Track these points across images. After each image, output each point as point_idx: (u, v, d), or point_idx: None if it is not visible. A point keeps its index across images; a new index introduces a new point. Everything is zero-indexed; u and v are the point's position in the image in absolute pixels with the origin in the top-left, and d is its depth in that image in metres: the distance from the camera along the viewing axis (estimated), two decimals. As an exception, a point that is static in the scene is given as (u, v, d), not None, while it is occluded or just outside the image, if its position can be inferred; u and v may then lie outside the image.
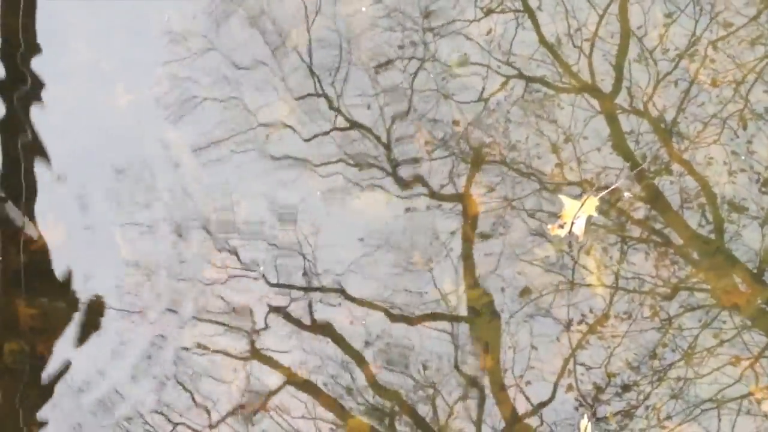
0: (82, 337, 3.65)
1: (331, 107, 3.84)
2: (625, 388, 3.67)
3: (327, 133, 3.84)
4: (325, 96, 3.86)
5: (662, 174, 3.79)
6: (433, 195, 3.79)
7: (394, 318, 3.72)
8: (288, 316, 3.72)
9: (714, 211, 3.77)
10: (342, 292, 3.74)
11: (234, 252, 3.76)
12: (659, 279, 3.73)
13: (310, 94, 3.86)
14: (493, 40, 3.89)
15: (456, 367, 3.69)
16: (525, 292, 3.72)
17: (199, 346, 3.67)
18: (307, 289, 3.74)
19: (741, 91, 3.85)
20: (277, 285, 3.74)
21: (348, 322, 3.72)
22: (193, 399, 3.67)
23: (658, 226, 3.78)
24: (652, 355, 3.68)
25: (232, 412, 3.66)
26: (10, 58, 3.80)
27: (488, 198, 3.79)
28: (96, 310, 3.66)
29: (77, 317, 3.67)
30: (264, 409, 3.66)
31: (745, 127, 3.82)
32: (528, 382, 3.67)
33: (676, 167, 3.81)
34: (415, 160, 3.80)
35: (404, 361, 3.70)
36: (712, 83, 3.84)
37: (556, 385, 3.69)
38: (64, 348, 3.68)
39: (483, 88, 3.86)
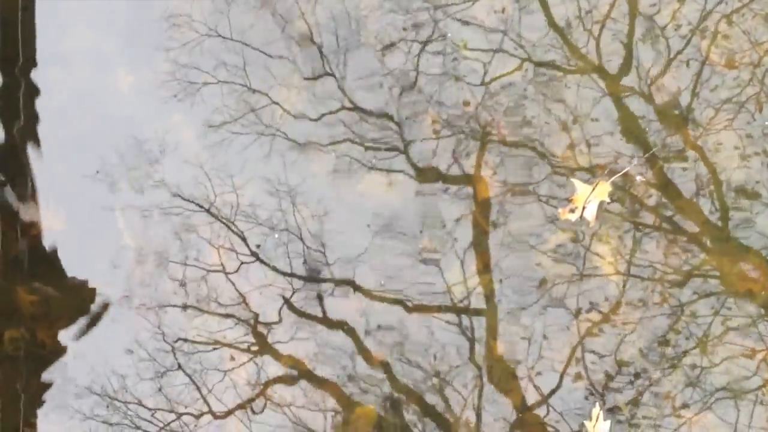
0: (73, 323, 3.66)
1: (338, 88, 3.81)
2: (638, 375, 3.64)
3: (331, 113, 3.81)
4: (333, 77, 3.82)
5: (671, 161, 3.74)
6: (442, 177, 3.76)
7: (407, 309, 3.70)
8: (292, 306, 3.70)
9: (719, 198, 3.72)
10: (350, 282, 3.71)
11: (240, 237, 3.73)
12: (669, 266, 3.69)
13: (317, 76, 3.82)
14: (507, 19, 3.84)
15: (469, 357, 3.67)
16: (543, 282, 3.69)
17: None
18: (312, 280, 3.71)
19: (758, 74, 3.78)
20: (285, 274, 3.71)
21: (356, 311, 3.70)
22: (198, 390, 3.67)
23: (669, 213, 3.73)
24: (664, 342, 3.65)
25: (240, 406, 3.65)
26: (9, 42, 3.78)
27: (498, 182, 3.75)
28: (89, 297, 3.66)
29: (75, 304, 3.67)
30: (268, 400, 3.66)
31: (761, 110, 3.76)
32: (539, 373, 3.65)
33: (690, 153, 3.76)
34: (435, 132, 3.76)
35: (413, 351, 3.68)
36: (728, 65, 3.77)
37: (562, 375, 3.65)
38: (63, 335, 3.68)
39: (485, 72, 3.81)
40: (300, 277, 3.71)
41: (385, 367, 3.66)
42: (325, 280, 3.71)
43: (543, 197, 3.73)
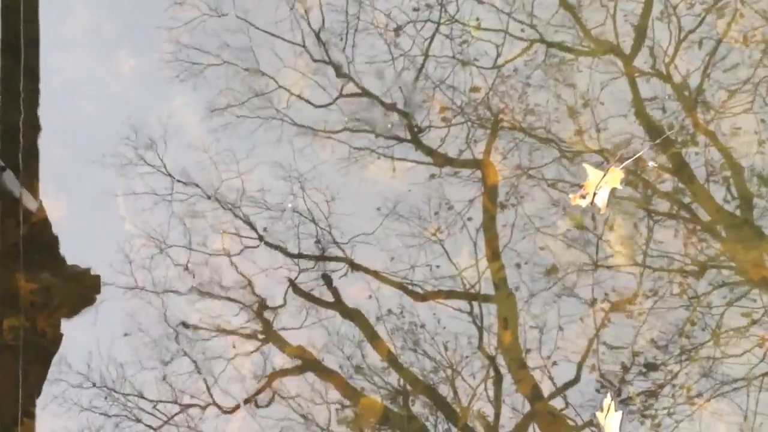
0: (76, 311, 3.62)
1: (340, 75, 3.75)
2: (650, 366, 3.60)
3: (334, 100, 3.76)
4: (336, 63, 3.77)
5: (688, 145, 3.69)
6: (451, 162, 3.70)
7: (412, 295, 3.65)
8: (299, 290, 3.65)
9: (740, 184, 3.67)
10: (351, 263, 3.66)
11: (246, 221, 3.69)
12: (687, 257, 3.64)
13: (322, 61, 3.78)
14: (516, 1, 3.80)
15: (478, 346, 3.63)
16: (551, 270, 3.65)
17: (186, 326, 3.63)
18: (318, 258, 3.67)
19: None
20: (297, 256, 3.67)
21: (365, 295, 3.67)
22: (205, 381, 3.63)
23: (685, 200, 3.69)
24: (680, 333, 3.61)
25: (248, 400, 3.61)
26: (11, 25, 3.72)
27: (507, 166, 3.71)
28: (92, 285, 3.62)
29: (77, 293, 3.63)
30: (273, 389, 3.61)
31: (774, 94, 3.72)
32: (554, 363, 3.61)
33: (701, 137, 3.71)
34: (444, 119, 3.71)
35: (419, 338, 3.63)
36: (743, 41, 3.72)
37: (580, 366, 3.61)
38: (66, 325, 3.64)
39: (498, 55, 3.76)
40: (303, 256, 3.66)
41: (392, 356, 3.62)
42: (325, 259, 3.65)
43: (550, 180, 3.70)
